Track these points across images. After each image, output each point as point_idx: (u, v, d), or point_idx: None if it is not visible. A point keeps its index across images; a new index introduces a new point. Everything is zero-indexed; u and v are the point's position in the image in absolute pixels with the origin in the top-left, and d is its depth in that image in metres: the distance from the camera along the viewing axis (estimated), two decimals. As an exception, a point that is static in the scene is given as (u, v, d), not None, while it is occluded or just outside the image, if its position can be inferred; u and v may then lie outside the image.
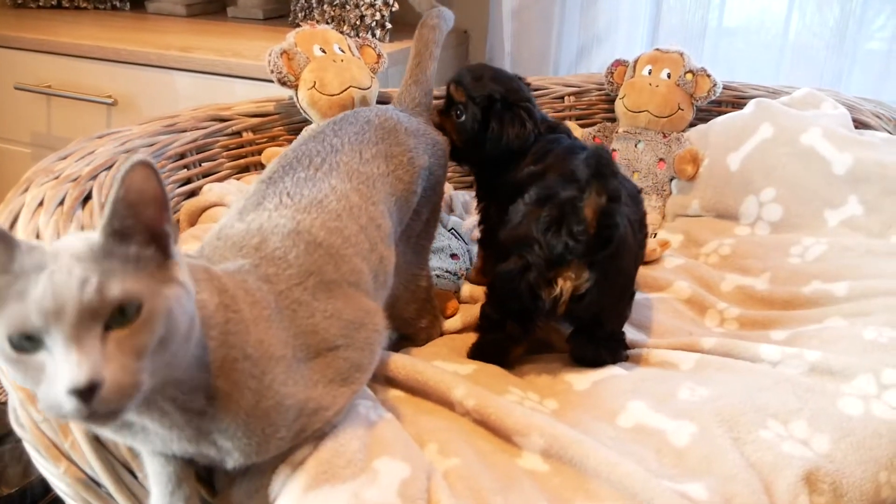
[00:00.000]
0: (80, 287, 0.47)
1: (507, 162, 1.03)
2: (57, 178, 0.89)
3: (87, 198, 0.88)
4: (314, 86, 1.18)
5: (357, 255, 0.74)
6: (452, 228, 1.25)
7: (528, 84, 1.13)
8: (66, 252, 0.49)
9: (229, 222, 0.72)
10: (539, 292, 0.85)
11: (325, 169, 0.79)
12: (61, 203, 0.84)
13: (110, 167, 0.95)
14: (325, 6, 1.69)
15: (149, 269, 0.51)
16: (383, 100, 1.24)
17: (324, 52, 1.21)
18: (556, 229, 0.83)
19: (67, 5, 2.01)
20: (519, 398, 0.84)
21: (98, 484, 0.66)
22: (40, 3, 2.00)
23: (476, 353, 0.94)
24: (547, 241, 0.83)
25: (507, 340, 0.92)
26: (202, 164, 1.15)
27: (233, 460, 0.61)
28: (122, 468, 0.65)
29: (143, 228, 0.51)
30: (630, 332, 0.99)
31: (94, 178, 0.92)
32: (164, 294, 0.50)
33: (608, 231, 0.82)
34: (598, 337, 0.91)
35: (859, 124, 1.31)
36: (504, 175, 1.03)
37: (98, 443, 0.65)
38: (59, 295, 0.47)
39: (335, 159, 0.81)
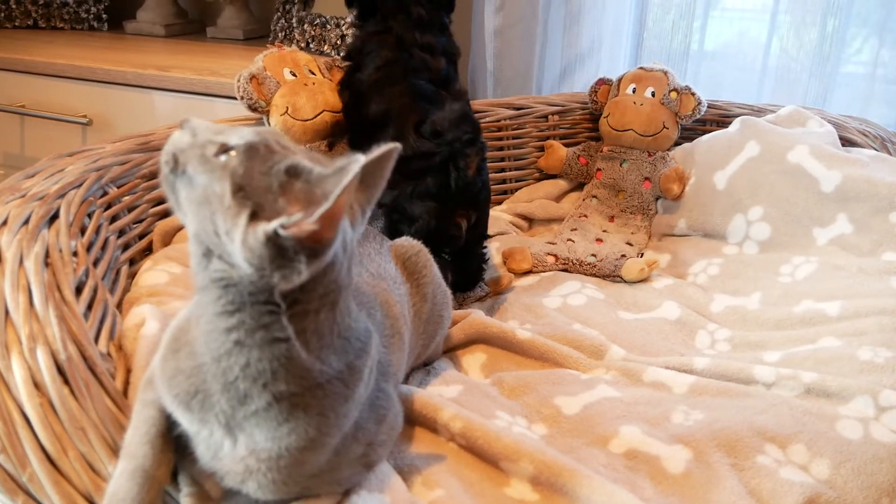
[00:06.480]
0: None
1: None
2: (23, 196, 0.85)
3: (55, 217, 0.84)
4: (287, 111, 1.15)
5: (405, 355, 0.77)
6: None
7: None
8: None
9: None
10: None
11: (383, 252, 0.83)
12: (26, 222, 0.80)
13: (80, 185, 0.91)
14: (306, 25, 1.67)
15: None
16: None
17: (294, 75, 1.18)
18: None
19: (44, 25, 1.99)
20: (507, 423, 0.80)
21: (59, 519, 0.61)
22: (16, 24, 1.97)
23: None
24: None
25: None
26: (177, 184, 1.11)
27: (231, 478, 0.57)
28: (85, 501, 0.61)
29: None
30: (619, 353, 0.96)
31: (63, 196, 0.88)
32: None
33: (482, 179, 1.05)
34: (474, 260, 1.11)
35: (846, 142, 1.30)
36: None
37: (59, 474, 0.61)
38: None
39: (383, 246, 0.85)
